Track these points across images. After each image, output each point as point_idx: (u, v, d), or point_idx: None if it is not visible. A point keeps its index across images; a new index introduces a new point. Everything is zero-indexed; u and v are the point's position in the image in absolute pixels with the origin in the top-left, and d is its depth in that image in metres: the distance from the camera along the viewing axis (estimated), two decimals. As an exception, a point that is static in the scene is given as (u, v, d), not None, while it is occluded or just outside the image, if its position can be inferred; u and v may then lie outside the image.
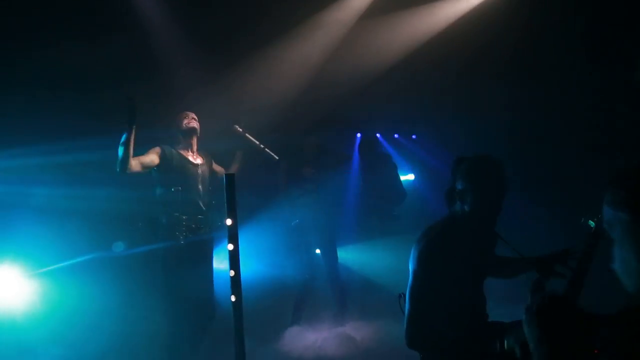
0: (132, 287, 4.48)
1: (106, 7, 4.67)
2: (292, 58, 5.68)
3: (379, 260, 5.71)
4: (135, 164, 3.78)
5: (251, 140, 4.31)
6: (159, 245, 3.91)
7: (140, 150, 3.92)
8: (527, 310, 1.54)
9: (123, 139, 3.67)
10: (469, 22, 5.80)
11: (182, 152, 4.09)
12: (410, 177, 7.14)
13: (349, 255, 5.84)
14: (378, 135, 7.07)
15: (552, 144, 6.09)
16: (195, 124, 4.11)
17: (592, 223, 2.71)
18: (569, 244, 2.73)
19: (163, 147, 4.03)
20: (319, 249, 5.21)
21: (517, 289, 2.80)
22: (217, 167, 4.33)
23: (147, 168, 3.89)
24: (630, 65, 5.35)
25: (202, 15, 5.15)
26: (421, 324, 2.38)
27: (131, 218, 4.21)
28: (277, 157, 4.36)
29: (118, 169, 3.72)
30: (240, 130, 4.30)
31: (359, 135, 6.73)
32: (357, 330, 4.99)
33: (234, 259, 2.25)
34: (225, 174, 2.30)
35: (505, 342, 2.21)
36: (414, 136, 7.26)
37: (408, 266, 2.49)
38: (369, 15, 5.75)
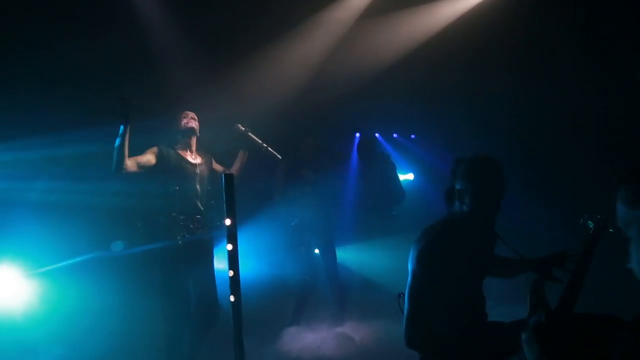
0: (131, 287, 4.48)
1: (105, 4, 4.67)
2: (291, 58, 5.68)
3: (378, 260, 5.71)
4: (131, 164, 3.78)
5: (254, 140, 4.29)
6: (156, 245, 3.90)
7: (139, 150, 3.92)
8: (526, 329, 1.53)
9: (118, 139, 3.67)
10: (468, 21, 5.80)
11: (180, 152, 4.08)
12: (410, 176, 7.14)
13: (348, 255, 5.84)
14: (377, 134, 7.06)
15: (552, 143, 6.09)
16: (193, 124, 4.09)
17: (591, 223, 2.71)
18: (569, 245, 2.73)
19: (160, 147, 4.02)
20: (318, 249, 5.21)
21: (517, 289, 2.81)
22: (218, 167, 4.32)
23: (143, 168, 3.88)
24: (630, 65, 5.36)
25: (201, 14, 5.15)
26: (420, 323, 2.38)
27: (130, 218, 4.20)
28: (280, 157, 4.34)
29: (114, 169, 3.72)
30: (243, 129, 4.28)
31: (357, 134, 6.73)
32: (356, 330, 4.99)
33: (233, 259, 2.25)
34: (224, 174, 2.29)
35: None
36: (413, 136, 7.26)
37: (407, 266, 2.49)
38: (368, 15, 5.76)
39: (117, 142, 3.68)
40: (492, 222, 2.58)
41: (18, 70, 4.38)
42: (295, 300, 5.18)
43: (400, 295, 2.54)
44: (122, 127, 3.67)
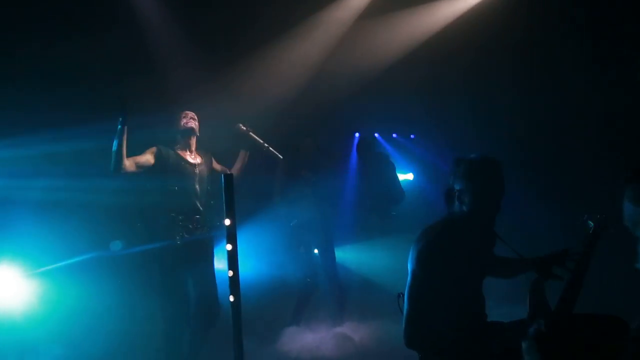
0: (130, 287, 4.48)
1: (105, 4, 4.67)
2: (291, 57, 5.68)
3: (377, 259, 5.71)
4: (129, 164, 3.78)
5: (255, 139, 4.28)
6: (155, 245, 3.89)
7: (139, 150, 3.92)
8: (526, 338, 1.53)
9: (115, 139, 3.68)
10: (468, 21, 5.80)
11: (180, 152, 4.07)
12: (410, 176, 7.13)
13: (348, 255, 5.84)
14: (376, 134, 7.06)
15: (552, 143, 6.09)
16: (193, 124, 4.08)
17: (591, 223, 2.71)
18: (569, 244, 2.73)
19: (159, 147, 4.01)
20: (317, 249, 5.21)
21: (517, 289, 2.80)
22: (218, 166, 4.31)
23: (142, 168, 3.88)
24: (630, 65, 5.36)
25: (201, 14, 5.14)
26: (420, 323, 2.38)
27: (129, 218, 4.20)
28: (281, 156, 4.33)
29: (112, 169, 3.72)
30: (245, 129, 4.27)
31: (357, 134, 6.73)
32: (355, 330, 4.98)
33: (232, 259, 2.25)
34: (224, 175, 2.29)
35: None
36: (412, 136, 7.26)
37: (407, 266, 2.49)
38: (368, 15, 5.76)
39: (115, 142, 3.68)
40: (492, 222, 2.58)
41: (17, 69, 4.37)
42: (295, 300, 5.18)
43: (400, 295, 2.54)
44: (119, 127, 3.67)
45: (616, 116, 5.66)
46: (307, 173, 5.08)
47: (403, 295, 2.48)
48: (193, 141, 4.13)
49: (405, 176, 7.04)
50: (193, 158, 4.11)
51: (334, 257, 5.25)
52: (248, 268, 5.23)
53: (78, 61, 4.42)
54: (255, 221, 4.94)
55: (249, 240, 4.76)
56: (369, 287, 5.67)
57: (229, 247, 2.25)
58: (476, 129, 6.12)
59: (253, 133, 4.29)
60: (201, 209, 4.04)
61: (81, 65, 4.46)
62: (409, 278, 2.45)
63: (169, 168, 3.98)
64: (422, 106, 6.39)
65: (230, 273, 2.25)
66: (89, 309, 4.30)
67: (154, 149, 3.99)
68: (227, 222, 2.25)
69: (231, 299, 2.26)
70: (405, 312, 2.42)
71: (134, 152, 3.85)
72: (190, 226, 3.97)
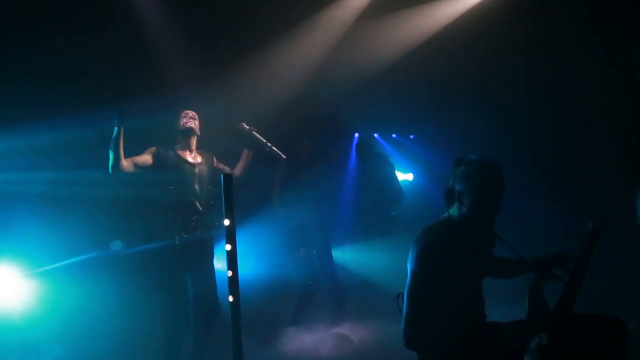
0: (129, 287, 4.48)
1: (105, 3, 4.68)
2: (290, 57, 5.67)
3: (377, 260, 5.71)
4: (127, 164, 3.79)
5: (258, 139, 4.27)
6: (154, 245, 3.89)
7: (138, 150, 3.93)
8: (529, 352, 1.53)
9: (112, 140, 3.69)
10: (468, 21, 5.80)
11: (179, 151, 4.07)
12: (409, 176, 7.14)
13: (347, 255, 5.84)
14: (376, 135, 7.06)
15: (551, 143, 6.09)
16: (192, 123, 4.07)
17: (589, 223, 2.71)
18: (571, 245, 2.73)
19: (158, 146, 4.02)
20: (315, 250, 5.20)
21: (516, 289, 2.80)
22: (221, 166, 4.29)
23: (140, 168, 3.88)
24: (630, 65, 5.36)
25: (200, 14, 5.14)
26: (419, 324, 2.38)
27: (128, 218, 4.20)
28: (284, 156, 4.32)
29: (110, 170, 3.74)
30: (248, 128, 4.25)
31: (356, 135, 6.73)
32: (354, 331, 4.98)
33: (231, 259, 2.25)
34: (223, 175, 2.29)
35: None
36: (411, 136, 7.26)
37: (406, 266, 2.49)
38: (368, 15, 5.75)
39: (112, 143, 3.70)
40: (491, 223, 2.57)
41: (17, 68, 4.38)
42: (295, 301, 5.18)
43: (399, 295, 2.53)
44: (115, 129, 3.69)
45: (618, 116, 5.65)
46: (306, 174, 5.08)
47: (402, 295, 2.48)
48: (193, 141, 4.12)
49: (405, 176, 7.05)
50: (193, 158, 4.11)
51: (331, 258, 5.24)
52: (248, 268, 5.23)
53: (77, 60, 4.42)
54: (255, 221, 4.94)
55: (251, 241, 4.77)
56: (368, 287, 5.67)
57: (228, 247, 2.25)
58: (476, 129, 6.12)
59: (256, 132, 4.27)
60: (200, 208, 4.04)
61: (81, 65, 4.46)
62: (408, 278, 2.45)
63: (168, 168, 3.98)
64: (422, 106, 6.39)
65: (230, 273, 2.25)
66: (88, 308, 4.30)
67: (153, 148, 4.00)
68: (227, 222, 2.25)
69: (230, 299, 2.26)
70: (404, 312, 2.41)
71: (134, 152, 3.86)
72: (189, 226, 3.97)
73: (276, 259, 5.51)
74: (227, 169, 4.29)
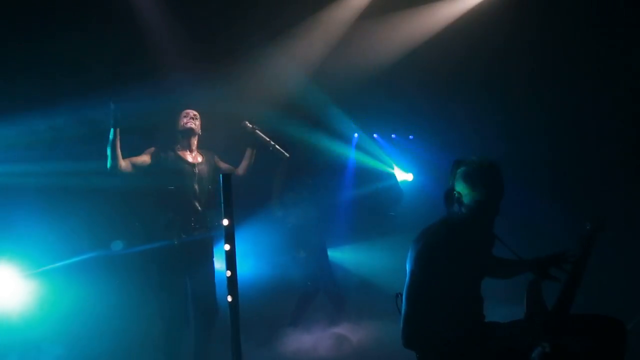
0: (129, 287, 4.48)
1: (105, 2, 4.68)
2: (290, 57, 5.67)
3: (375, 260, 5.71)
4: (125, 164, 3.80)
5: (262, 137, 4.22)
6: (153, 245, 3.89)
7: (138, 150, 3.93)
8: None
9: (110, 141, 3.70)
10: (468, 22, 5.80)
11: (179, 151, 4.06)
12: (409, 176, 7.14)
13: (346, 256, 5.84)
14: (375, 135, 7.07)
15: (551, 144, 6.09)
16: (192, 124, 4.06)
17: (588, 224, 2.72)
18: (571, 245, 2.74)
19: (158, 147, 4.02)
20: (313, 252, 5.19)
21: (516, 290, 2.80)
22: (223, 165, 4.27)
23: (138, 168, 3.89)
24: (630, 65, 5.35)
25: (200, 14, 5.14)
26: (418, 324, 2.38)
27: (128, 218, 4.20)
28: (287, 155, 4.25)
29: (108, 170, 3.76)
30: (251, 126, 4.21)
31: (356, 135, 6.73)
32: (353, 331, 4.98)
33: (230, 260, 2.25)
34: (222, 175, 2.28)
35: None
36: (411, 136, 7.26)
37: (405, 266, 2.49)
38: (368, 15, 5.75)
39: (109, 145, 3.71)
40: (491, 224, 2.58)
41: (17, 64, 4.39)
42: (295, 302, 5.18)
43: (398, 295, 2.53)
44: (112, 130, 3.69)
45: (619, 116, 5.65)
46: (305, 176, 5.08)
47: (401, 295, 2.48)
48: (193, 141, 4.11)
49: (405, 176, 7.05)
50: (193, 158, 4.09)
51: (327, 258, 5.24)
52: (247, 268, 5.23)
53: (77, 59, 4.43)
54: (255, 221, 4.94)
55: (249, 240, 4.76)
56: (367, 287, 5.67)
57: (226, 247, 2.25)
58: (476, 129, 6.12)
59: (259, 130, 4.23)
60: (200, 209, 4.03)
61: (80, 64, 4.47)
62: (407, 278, 2.45)
63: (167, 168, 3.97)
64: (422, 106, 6.39)
65: (228, 273, 2.25)
66: (88, 309, 4.31)
67: (152, 149, 4.00)
68: (225, 222, 2.25)
69: (229, 299, 2.26)
70: (403, 312, 2.41)
71: (133, 152, 3.86)
72: (188, 226, 3.97)
73: (275, 259, 5.51)
74: (230, 169, 4.26)
